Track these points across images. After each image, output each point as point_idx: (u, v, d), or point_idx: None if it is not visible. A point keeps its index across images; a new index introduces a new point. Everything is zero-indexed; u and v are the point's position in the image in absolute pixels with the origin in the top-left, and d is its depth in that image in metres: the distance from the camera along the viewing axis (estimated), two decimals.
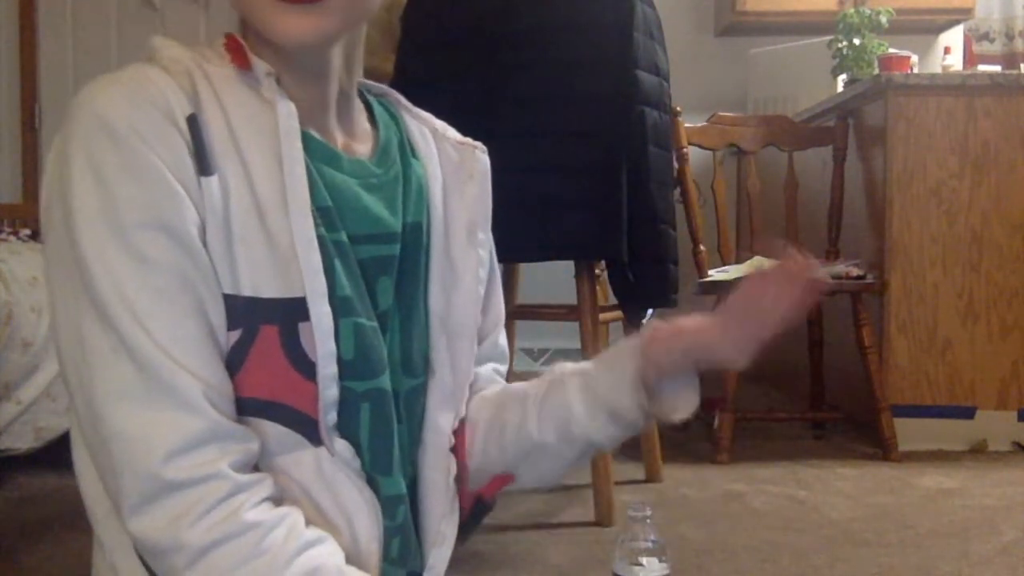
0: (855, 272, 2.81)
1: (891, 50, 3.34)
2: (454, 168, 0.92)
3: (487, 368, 0.98)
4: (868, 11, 3.41)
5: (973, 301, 2.86)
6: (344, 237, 0.79)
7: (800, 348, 3.12)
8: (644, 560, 1.05)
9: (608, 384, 0.89)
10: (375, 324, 0.82)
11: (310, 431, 0.77)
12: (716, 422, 2.76)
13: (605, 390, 0.89)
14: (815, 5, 3.99)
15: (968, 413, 2.85)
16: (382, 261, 0.84)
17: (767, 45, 4.02)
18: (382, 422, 0.82)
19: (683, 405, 0.90)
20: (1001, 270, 2.86)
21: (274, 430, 0.76)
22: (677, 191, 2.60)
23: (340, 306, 0.77)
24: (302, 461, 0.77)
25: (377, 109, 0.91)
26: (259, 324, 0.74)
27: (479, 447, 0.94)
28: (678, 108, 2.75)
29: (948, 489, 2.40)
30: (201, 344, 0.72)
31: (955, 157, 2.87)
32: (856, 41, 3.42)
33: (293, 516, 0.74)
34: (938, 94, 2.87)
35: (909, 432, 2.80)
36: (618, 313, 2.28)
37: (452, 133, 0.95)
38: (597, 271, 2.45)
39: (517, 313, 2.51)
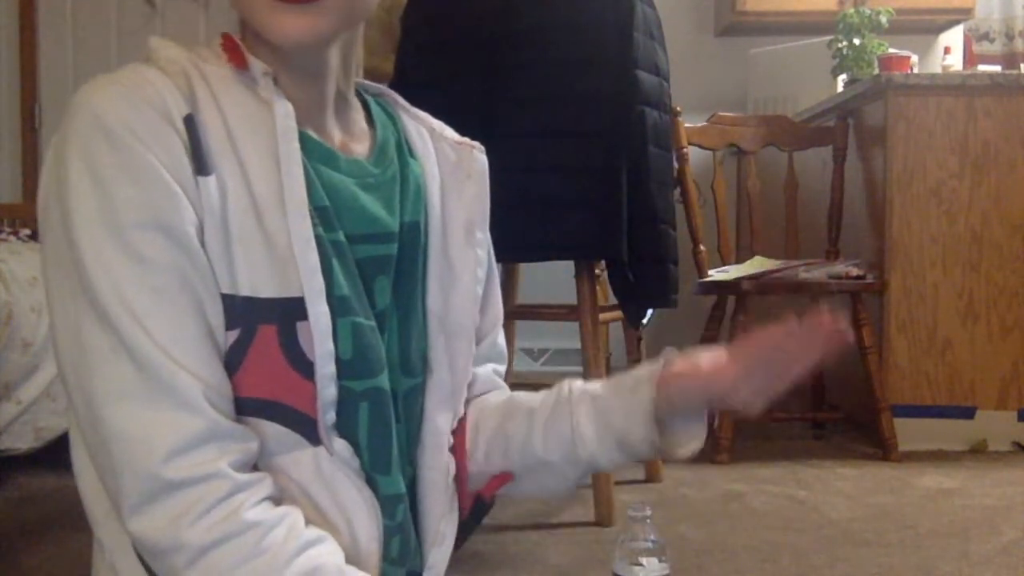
0: (855, 272, 2.81)
1: (891, 50, 3.34)
2: (452, 168, 0.92)
3: (486, 369, 0.98)
4: (868, 11, 3.41)
5: (973, 301, 2.86)
6: (342, 237, 0.80)
7: None
8: (644, 560, 1.05)
9: (622, 414, 0.89)
10: (373, 323, 0.82)
11: (309, 431, 0.77)
12: (716, 422, 2.76)
13: (618, 419, 0.89)
14: (815, 5, 3.99)
15: (968, 413, 2.85)
16: (379, 261, 0.84)
17: (767, 45, 4.02)
18: (381, 421, 0.82)
19: (690, 442, 0.90)
20: (1001, 270, 2.86)
21: (273, 430, 0.76)
22: (677, 191, 2.60)
23: (338, 305, 0.77)
24: (301, 461, 0.77)
25: (375, 109, 0.91)
26: (257, 324, 0.74)
27: (482, 454, 0.94)
28: (678, 108, 2.75)
29: (948, 489, 2.40)
30: (200, 344, 0.72)
31: (955, 157, 2.87)
32: (856, 41, 3.41)
33: (293, 515, 0.74)
34: (938, 94, 2.87)
35: (909, 432, 2.80)
36: (618, 313, 2.28)
37: (450, 133, 0.95)
38: (597, 271, 2.45)
39: (517, 313, 2.51)
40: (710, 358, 0.87)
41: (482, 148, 0.96)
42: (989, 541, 1.97)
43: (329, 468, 0.78)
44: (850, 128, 3.09)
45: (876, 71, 3.23)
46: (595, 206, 1.96)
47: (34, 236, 3.10)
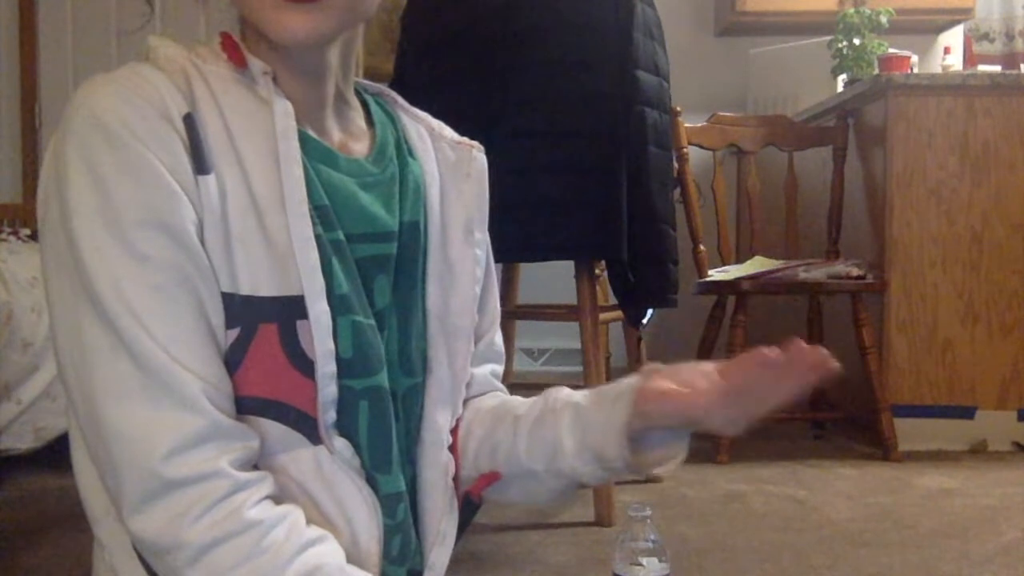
0: (855, 272, 2.81)
1: (891, 50, 3.34)
2: (451, 167, 0.92)
3: (484, 371, 0.98)
4: (868, 11, 3.41)
5: (973, 301, 2.86)
6: (341, 236, 0.79)
7: None
8: (644, 560, 1.05)
9: (598, 427, 0.87)
10: (373, 322, 0.82)
11: (309, 429, 0.77)
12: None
13: (594, 433, 0.87)
14: (815, 5, 3.99)
15: (968, 413, 2.85)
16: (379, 260, 0.83)
17: (767, 45, 4.02)
18: (380, 420, 0.82)
19: (667, 461, 0.88)
20: (1001, 270, 2.86)
21: (273, 428, 0.76)
22: (677, 191, 2.60)
23: (338, 304, 0.77)
24: (301, 459, 0.77)
25: (374, 108, 0.91)
26: (257, 322, 0.74)
27: (471, 458, 0.93)
28: (678, 108, 2.75)
29: (948, 489, 2.40)
30: (200, 342, 0.72)
31: (955, 157, 2.87)
32: (856, 41, 3.42)
33: (294, 515, 0.74)
34: (938, 94, 2.87)
35: (909, 432, 2.80)
36: (618, 313, 2.28)
37: (449, 132, 0.95)
38: (597, 271, 2.45)
39: (517, 313, 2.51)
40: (689, 378, 0.84)
41: (481, 148, 0.95)
42: (989, 541, 1.97)
43: (329, 467, 0.78)
44: (850, 128, 3.09)
45: (876, 71, 3.24)
46: (595, 206, 1.96)
47: (34, 236, 3.10)
